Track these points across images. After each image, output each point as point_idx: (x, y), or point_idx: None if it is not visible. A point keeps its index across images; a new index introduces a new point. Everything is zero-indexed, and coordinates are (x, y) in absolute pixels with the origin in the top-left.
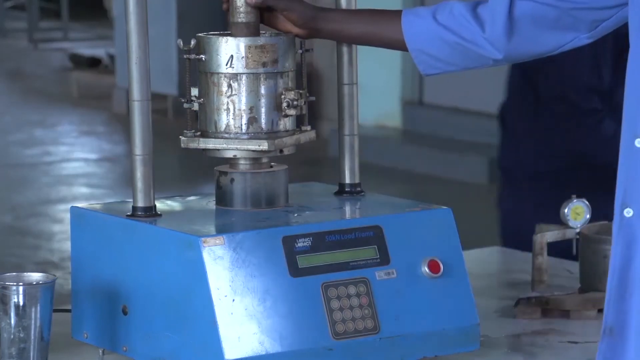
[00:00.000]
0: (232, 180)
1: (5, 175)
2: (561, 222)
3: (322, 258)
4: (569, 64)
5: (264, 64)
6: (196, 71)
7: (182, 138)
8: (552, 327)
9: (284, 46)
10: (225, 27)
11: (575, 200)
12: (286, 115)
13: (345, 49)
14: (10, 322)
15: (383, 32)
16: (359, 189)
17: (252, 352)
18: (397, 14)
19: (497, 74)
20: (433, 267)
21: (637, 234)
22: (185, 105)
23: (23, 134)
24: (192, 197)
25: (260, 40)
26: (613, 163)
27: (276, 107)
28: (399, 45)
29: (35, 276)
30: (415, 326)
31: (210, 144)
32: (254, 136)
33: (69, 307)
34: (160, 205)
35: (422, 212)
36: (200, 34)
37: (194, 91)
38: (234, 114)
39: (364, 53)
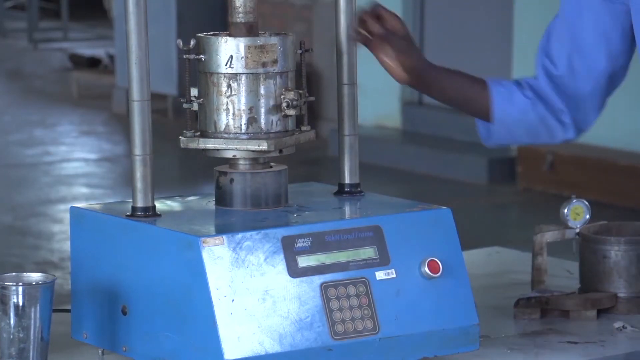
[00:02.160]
0: (231, 180)
1: (5, 175)
2: (561, 222)
3: (322, 258)
4: None
5: (263, 64)
6: (196, 71)
7: (182, 138)
8: (552, 327)
9: (283, 46)
10: (224, 27)
11: (575, 201)
12: (286, 116)
13: (345, 49)
14: (10, 322)
15: (473, 100)
16: (358, 189)
17: (252, 352)
18: (482, 82)
19: (497, 75)
20: (433, 267)
21: None
22: (185, 106)
23: (23, 134)
24: (191, 197)
25: (260, 41)
26: None
27: (276, 107)
28: (481, 115)
29: (35, 276)
30: (415, 326)
31: (210, 144)
32: (254, 136)
33: (68, 307)
34: (159, 205)
35: (422, 212)
36: (199, 34)
37: (194, 91)
38: (233, 114)
39: (363, 53)
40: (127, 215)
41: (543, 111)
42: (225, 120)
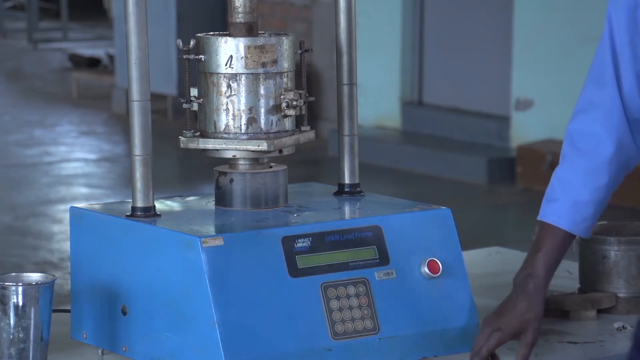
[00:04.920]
0: (231, 180)
1: (5, 175)
2: None
3: (322, 258)
4: None
5: (263, 64)
6: (196, 71)
7: (182, 138)
8: (551, 327)
9: (283, 46)
10: (224, 27)
11: None
12: (285, 116)
13: (345, 49)
14: (9, 323)
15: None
16: (358, 189)
17: (252, 352)
18: (558, 233)
19: (497, 75)
20: (432, 267)
21: None
22: (185, 106)
23: (23, 134)
24: (191, 197)
25: (260, 41)
26: None
27: (275, 107)
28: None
29: (35, 276)
30: (415, 326)
31: (210, 144)
32: (254, 136)
33: (68, 307)
34: (159, 205)
35: (422, 212)
36: (199, 34)
37: (194, 91)
38: (233, 114)
39: (363, 53)
40: (127, 215)
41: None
42: (225, 120)
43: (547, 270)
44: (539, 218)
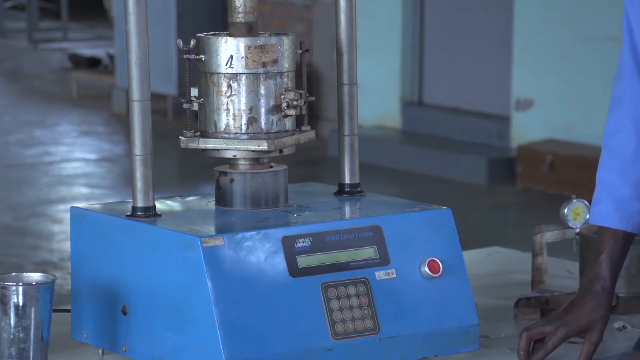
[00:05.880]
0: (231, 180)
1: (5, 175)
2: (561, 222)
3: (322, 258)
4: None
5: (263, 64)
6: (196, 71)
7: (182, 138)
8: None
9: (283, 46)
10: (224, 27)
11: (575, 201)
12: (286, 116)
13: (345, 49)
14: (10, 322)
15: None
16: (358, 189)
17: (252, 352)
18: (612, 233)
19: (497, 75)
20: (433, 267)
21: None
22: (185, 106)
23: (23, 134)
24: (191, 197)
25: (260, 41)
26: None
27: (276, 107)
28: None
29: (35, 276)
30: (415, 326)
31: (210, 144)
32: (254, 136)
33: (68, 307)
34: (160, 205)
35: (422, 212)
36: (199, 34)
37: (194, 91)
38: (233, 114)
39: (363, 53)
40: (127, 215)
41: None
42: (225, 120)
43: (612, 271)
44: (590, 222)
